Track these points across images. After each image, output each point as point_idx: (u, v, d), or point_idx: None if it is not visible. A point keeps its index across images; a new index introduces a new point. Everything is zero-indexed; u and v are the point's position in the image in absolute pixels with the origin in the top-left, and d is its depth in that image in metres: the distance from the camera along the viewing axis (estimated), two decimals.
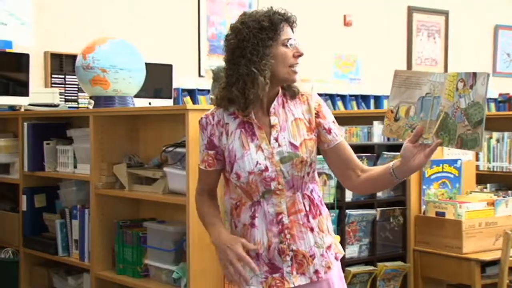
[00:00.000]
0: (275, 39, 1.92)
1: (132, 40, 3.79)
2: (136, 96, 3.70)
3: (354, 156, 2.03)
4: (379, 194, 3.45)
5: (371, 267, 3.33)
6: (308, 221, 1.98)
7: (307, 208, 1.99)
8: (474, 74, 1.67)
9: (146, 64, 3.67)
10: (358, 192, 2.16)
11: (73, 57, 3.84)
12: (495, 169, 4.51)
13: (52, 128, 3.79)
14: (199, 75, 6.06)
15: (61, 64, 5.27)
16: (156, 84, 5.39)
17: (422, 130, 1.76)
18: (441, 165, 3.60)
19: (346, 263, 3.25)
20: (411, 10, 7.51)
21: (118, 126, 3.37)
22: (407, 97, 1.79)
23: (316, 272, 1.99)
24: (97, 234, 3.32)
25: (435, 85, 1.74)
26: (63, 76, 5.20)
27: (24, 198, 3.80)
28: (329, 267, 2.01)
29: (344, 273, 3.23)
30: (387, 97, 7.08)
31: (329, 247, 2.02)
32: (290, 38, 1.94)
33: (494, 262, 3.30)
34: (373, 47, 7.20)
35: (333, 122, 2.03)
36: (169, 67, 5.55)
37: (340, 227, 3.23)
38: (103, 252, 3.33)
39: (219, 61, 5.97)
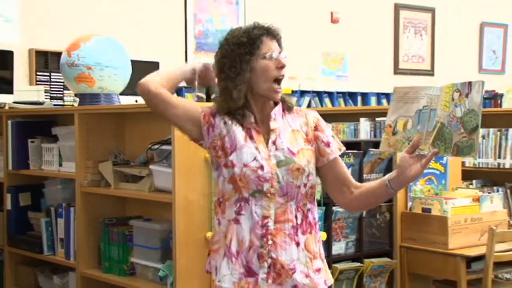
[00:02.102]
0: (254, 54, 1.92)
1: (118, 37, 3.76)
2: (123, 93, 3.68)
3: (348, 173, 2.03)
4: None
5: (358, 264, 3.34)
6: (296, 234, 1.94)
7: (298, 221, 1.95)
8: (470, 83, 1.72)
9: (132, 61, 3.65)
10: (351, 209, 2.14)
11: (58, 55, 3.80)
12: (480, 166, 4.54)
13: (37, 126, 3.76)
14: None
15: (46, 61, 5.23)
16: None
17: (418, 142, 1.80)
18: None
19: (333, 259, 3.25)
20: (398, 7, 7.53)
21: (103, 123, 3.35)
22: (405, 111, 1.83)
23: (295, 287, 1.94)
24: (83, 232, 3.30)
25: (432, 98, 1.78)
26: (48, 74, 5.17)
27: (8, 197, 3.77)
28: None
29: (331, 270, 3.23)
30: (374, 94, 7.11)
31: (318, 270, 1.98)
32: (270, 51, 1.93)
33: (480, 258, 3.32)
34: (360, 44, 7.22)
35: (332, 136, 2.03)
36: (155, 65, 5.52)
37: (327, 224, 3.23)
38: (88, 251, 3.31)
39: (206, 58, 5.96)
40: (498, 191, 4.35)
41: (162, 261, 2.94)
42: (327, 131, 2.02)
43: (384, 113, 3.73)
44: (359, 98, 7.04)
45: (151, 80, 2.03)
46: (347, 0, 7.16)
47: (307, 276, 1.95)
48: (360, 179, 3.40)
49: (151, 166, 2.98)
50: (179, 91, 5.90)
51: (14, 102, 4.27)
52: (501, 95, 6.92)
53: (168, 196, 2.81)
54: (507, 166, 4.41)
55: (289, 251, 1.93)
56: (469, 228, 3.42)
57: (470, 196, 3.55)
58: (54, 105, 4.71)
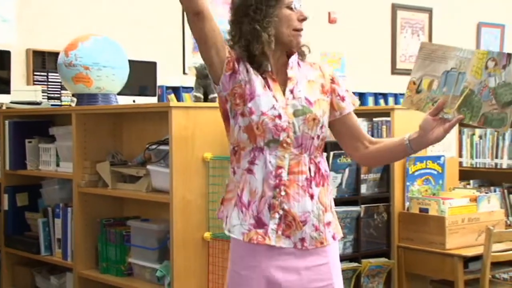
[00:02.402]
0: (279, 0, 1.92)
1: (116, 37, 3.76)
2: (120, 93, 3.68)
3: (361, 127, 2.05)
4: (363, 190, 3.46)
5: (356, 264, 3.34)
6: (310, 186, 1.92)
7: (312, 174, 1.93)
8: (509, 55, 1.67)
9: (130, 61, 3.64)
10: (366, 163, 2.15)
11: (56, 55, 3.80)
12: (478, 166, 4.54)
13: (34, 126, 3.76)
14: (184, 73, 6.03)
15: (44, 61, 5.22)
16: (141, 82, 5.36)
17: (443, 104, 1.76)
18: (424, 161, 3.62)
19: None
20: (395, 8, 7.53)
21: (101, 124, 3.35)
22: (431, 70, 1.78)
23: (302, 240, 1.91)
24: (80, 233, 3.30)
25: (462, 60, 1.73)
26: (45, 74, 5.15)
27: (6, 197, 3.76)
28: (321, 242, 1.93)
29: None
30: (372, 94, 7.11)
31: (328, 224, 1.95)
32: (293, 1, 1.94)
33: (477, 258, 3.33)
34: (358, 44, 7.21)
35: (347, 91, 2.03)
36: (153, 65, 5.52)
37: None
38: (86, 251, 3.31)
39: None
40: (495, 191, 4.36)
41: (159, 261, 2.94)
42: (342, 85, 2.02)
43: (381, 114, 3.74)
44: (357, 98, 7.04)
45: None
46: (345, 0, 7.16)
47: (316, 229, 1.92)
48: (358, 179, 3.41)
49: (148, 166, 2.98)
50: (176, 91, 5.89)
51: (11, 102, 4.26)
52: None
53: (165, 196, 2.81)
54: (504, 166, 4.42)
55: (302, 203, 1.91)
56: (466, 228, 3.42)
57: (467, 196, 3.56)
58: (52, 105, 4.70)
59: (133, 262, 3.08)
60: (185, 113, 2.76)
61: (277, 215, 1.89)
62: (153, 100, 5.43)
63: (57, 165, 3.54)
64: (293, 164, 1.91)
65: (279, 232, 1.90)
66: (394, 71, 7.56)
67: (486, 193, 3.81)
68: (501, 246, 3.39)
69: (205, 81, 3.04)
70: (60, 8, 5.44)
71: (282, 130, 1.90)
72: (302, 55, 2.02)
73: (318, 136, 1.95)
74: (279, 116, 1.90)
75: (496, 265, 3.36)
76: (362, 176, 3.42)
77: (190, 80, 5.78)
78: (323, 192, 1.96)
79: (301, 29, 1.96)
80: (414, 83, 1.81)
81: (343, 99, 2.00)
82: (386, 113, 3.70)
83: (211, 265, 2.82)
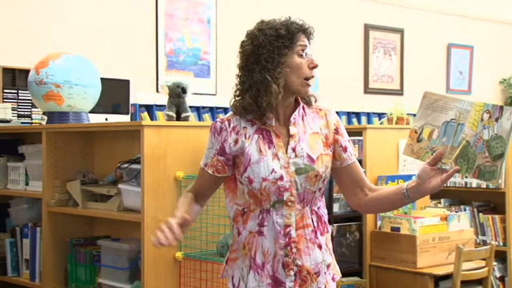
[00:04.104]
0: (291, 48, 1.91)
1: (89, 55, 3.73)
2: (93, 111, 3.64)
3: (364, 175, 2.02)
4: (335, 209, 3.48)
5: None
6: (316, 237, 1.94)
7: (315, 224, 1.94)
8: (501, 107, 1.69)
9: (103, 79, 3.62)
10: (363, 210, 2.13)
11: (27, 72, 3.75)
12: (449, 185, 4.58)
13: (3, 144, 3.70)
14: (157, 91, 6.01)
15: (14, 78, 5.16)
16: (114, 100, 5.33)
17: (442, 155, 1.77)
18: (396, 180, 3.65)
19: None
20: (367, 28, 7.64)
21: (72, 142, 3.31)
22: (432, 119, 1.80)
23: None
24: (49, 253, 3.24)
25: (461, 112, 1.75)
26: (15, 91, 5.09)
27: None
28: (324, 286, 1.97)
29: None
30: (345, 113, 7.17)
31: (328, 266, 1.98)
32: (305, 48, 1.93)
33: (447, 276, 3.36)
34: (331, 63, 7.28)
35: (349, 141, 2.01)
36: (126, 82, 5.49)
37: None
38: (55, 272, 3.25)
39: (177, 77, 5.95)
40: (465, 210, 4.42)
41: (130, 281, 2.90)
42: (345, 135, 2.01)
43: (354, 132, 3.78)
44: None
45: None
46: (318, 20, 7.23)
47: (325, 274, 1.96)
48: (330, 198, 3.42)
49: (120, 185, 2.95)
50: (149, 109, 5.87)
51: None
52: None
53: (137, 215, 2.78)
54: (474, 185, 4.48)
55: (313, 255, 1.93)
56: (437, 247, 3.45)
57: (438, 215, 3.59)
58: (22, 123, 4.64)
59: (104, 283, 3.03)
60: (157, 132, 2.75)
61: (292, 272, 1.91)
62: (126, 118, 5.39)
63: (26, 184, 3.49)
64: (298, 219, 1.92)
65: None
66: (367, 90, 7.65)
67: (457, 211, 3.86)
68: (471, 265, 3.43)
69: (178, 99, 3.03)
70: (31, 25, 5.40)
71: (285, 190, 1.90)
72: (308, 104, 2.00)
73: (320, 189, 1.95)
74: (281, 178, 1.89)
75: (466, 283, 3.40)
76: (335, 195, 3.44)
77: (163, 98, 5.76)
78: (327, 238, 1.99)
79: (312, 77, 1.94)
80: (416, 132, 1.82)
81: (345, 149, 1.98)
82: (359, 132, 3.74)
83: (183, 285, 2.79)
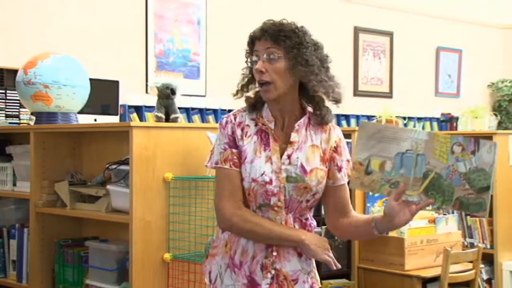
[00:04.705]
0: (252, 55, 1.94)
1: (78, 55, 3.72)
2: (82, 112, 3.63)
3: (349, 200, 1.99)
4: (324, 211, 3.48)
5: None
6: None
7: None
8: (476, 141, 1.66)
9: (92, 80, 3.61)
10: (337, 234, 2.09)
11: (15, 72, 3.74)
12: None
13: None
14: (146, 92, 6.00)
15: (2, 78, 5.13)
16: (103, 100, 5.31)
17: (405, 187, 1.72)
18: None
19: None
20: (357, 31, 7.67)
21: (60, 143, 3.30)
22: (380, 151, 1.73)
23: None
24: (37, 254, 3.22)
25: (418, 142, 1.70)
26: (3, 91, 5.06)
27: None
28: None
29: None
30: (334, 115, 7.16)
31: (308, 274, 1.97)
32: (258, 52, 1.91)
33: (435, 279, 3.37)
34: None
35: (347, 161, 1.97)
36: (115, 83, 5.47)
37: None
38: (42, 273, 3.23)
39: (166, 78, 5.94)
40: (453, 212, 4.43)
41: (118, 283, 2.89)
42: (345, 154, 1.96)
43: (343, 135, 3.77)
44: None
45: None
46: (308, 23, 7.23)
47: (304, 282, 1.94)
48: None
49: (108, 186, 2.94)
50: (139, 110, 5.86)
51: None
52: (457, 118, 7.09)
53: (125, 216, 2.77)
54: None
55: (293, 262, 1.92)
56: (425, 249, 3.47)
57: (426, 217, 3.61)
58: (10, 123, 4.61)
59: (91, 284, 3.02)
60: (146, 133, 2.74)
61: (269, 275, 1.91)
62: (115, 119, 5.38)
63: (14, 184, 3.47)
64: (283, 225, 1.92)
65: None
66: (356, 93, 7.68)
67: (444, 214, 3.87)
68: (458, 267, 3.45)
69: (167, 101, 3.03)
70: (20, 25, 5.38)
71: (272, 195, 1.90)
72: (316, 120, 1.96)
73: (308, 201, 1.93)
74: (270, 182, 1.89)
75: (453, 286, 3.41)
76: None
77: (153, 99, 5.75)
78: None
79: (261, 81, 1.90)
80: (361, 164, 1.75)
81: (340, 169, 1.94)
82: (348, 135, 3.75)
83: (171, 286, 2.79)
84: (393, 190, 1.74)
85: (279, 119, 1.95)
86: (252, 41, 1.93)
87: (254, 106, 1.96)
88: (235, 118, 1.97)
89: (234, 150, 1.93)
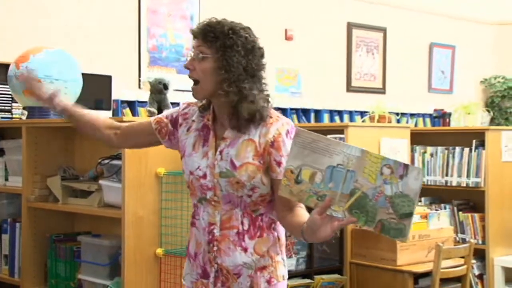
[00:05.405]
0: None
1: (70, 50, 3.70)
2: None
3: None
4: None
5: (308, 280, 3.35)
6: (243, 240, 1.93)
7: (245, 227, 1.93)
8: (406, 166, 1.60)
9: (85, 75, 3.59)
10: (284, 228, 2.03)
11: (6, 66, 3.71)
12: (429, 183, 4.64)
13: None
14: (139, 87, 5.98)
15: None
16: (95, 95, 5.29)
17: (331, 201, 1.65)
18: None
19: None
20: (350, 26, 7.66)
21: (52, 137, 3.29)
22: (312, 161, 1.66)
23: None
24: (29, 249, 3.22)
25: (350, 158, 1.63)
26: None
27: None
28: (252, 287, 1.94)
29: None
30: (327, 111, 7.19)
31: (262, 268, 1.95)
32: (193, 49, 1.94)
33: (427, 274, 3.38)
34: (314, 61, 7.30)
35: (287, 156, 1.90)
36: (108, 78, 5.45)
37: None
38: (34, 268, 3.23)
39: (159, 73, 5.92)
40: (445, 208, 4.46)
41: (110, 277, 2.89)
42: (284, 149, 1.88)
43: (336, 130, 3.79)
44: (312, 115, 7.11)
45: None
46: (301, 18, 7.25)
47: (250, 277, 1.95)
48: None
49: (100, 181, 2.93)
50: (131, 105, 5.84)
51: None
52: (449, 114, 7.10)
53: (117, 211, 2.77)
54: (454, 184, 4.52)
55: (233, 257, 1.94)
56: (417, 245, 3.48)
57: (418, 213, 3.62)
58: (1, 117, 4.59)
59: (83, 279, 3.02)
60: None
61: (213, 269, 1.97)
62: (108, 114, 5.36)
63: (6, 179, 3.45)
64: (225, 219, 1.94)
65: (218, 285, 1.97)
66: (350, 88, 7.68)
67: (436, 210, 3.89)
68: (450, 263, 3.46)
69: (159, 96, 3.03)
70: (12, 19, 5.35)
71: (208, 189, 1.95)
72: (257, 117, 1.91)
73: (250, 196, 1.91)
74: (204, 176, 1.94)
75: (445, 281, 3.43)
76: None
77: (145, 94, 5.73)
78: (260, 243, 1.95)
79: (191, 77, 1.95)
80: (292, 172, 1.68)
81: (279, 164, 1.89)
82: (341, 130, 3.75)
83: (163, 281, 2.79)
84: (320, 203, 1.67)
85: (220, 117, 1.97)
86: (193, 38, 1.96)
87: (205, 108, 2.01)
88: (184, 108, 2.06)
89: (170, 126, 2.05)
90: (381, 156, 1.62)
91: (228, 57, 1.87)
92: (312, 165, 1.67)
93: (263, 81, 1.94)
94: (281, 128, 1.91)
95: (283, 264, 2.00)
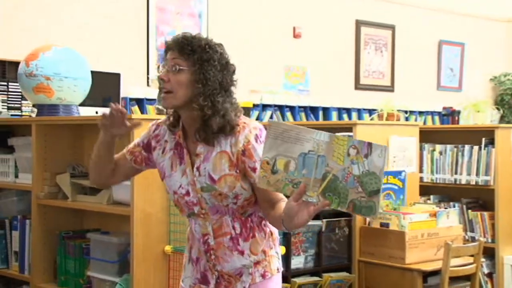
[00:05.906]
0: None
1: (79, 48, 3.72)
2: (83, 104, 3.63)
3: (275, 194, 1.91)
4: None
5: (317, 278, 3.35)
6: (237, 244, 1.97)
7: (237, 231, 1.97)
8: (370, 144, 1.66)
9: (93, 72, 3.60)
10: (270, 224, 2.05)
11: (17, 64, 3.73)
12: (438, 181, 4.62)
13: None
14: (148, 85, 6.00)
15: (4, 71, 5.13)
16: (104, 93, 5.31)
17: (305, 188, 1.70)
18: (386, 176, 3.66)
19: (291, 274, 3.26)
20: (359, 24, 7.65)
21: (62, 135, 3.30)
22: (285, 150, 1.72)
23: None
24: (38, 245, 3.23)
25: (319, 143, 1.69)
26: (5, 83, 5.06)
27: None
28: (250, 283, 1.99)
29: (290, 284, 3.24)
30: (335, 109, 7.18)
31: (257, 263, 1.99)
32: (165, 61, 1.93)
33: (436, 272, 3.37)
34: (322, 59, 7.29)
35: (260, 161, 1.90)
36: (117, 76, 5.47)
37: (286, 238, 3.24)
38: (44, 264, 3.25)
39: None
40: (454, 206, 4.44)
41: (119, 274, 2.90)
42: (256, 155, 1.90)
43: (344, 128, 3.79)
44: (320, 113, 7.10)
45: (92, 179, 2.15)
46: (310, 16, 7.24)
47: (250, 274, 2.00)
48: None
49: None
50: (140, 103, 5.85)
51: None
52: (458, 112, 7.07)
53: (126, 209, 2.78)
54: (463, 182, 4.50)
55: (232, 262, 1.99)
56: (425, 243, 3.47)
57: (427, 211, 3.61)
58: (12, 115, 4.62)
59: (92, 276, 3.03)
60: (146, 125, 2.73)
61: (214, 276, 2.02)
62: None
63: (16, 176, 3.47)
64: (216, 228, 1.98)
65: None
66: (358, 86, 7.67)
67: (446, 208, 3.88)
68: (459, 261, 3.45)
69: None
70: (22, 18, 5.37)
71: (193, 205, 1.98)
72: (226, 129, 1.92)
73: (235, 203, 1.94)
74: (187, 194, 1.97)
75: (454, 279, 3.42)
76: None
77: (154, 92, 5.76)
78: (255, 242, 1.99)
79: (164, 90, 1.92)
80: (268, 163, 1.73)
81: (254, 170, 1.90)
82: (349, 128, 3.74)
83: (172, 278, 2.79)
84: (296, 190, 1.72)
85: (190, 131, 1.96)
86: (166, 50, 1.95)
87: (174, 125, 2.00)
88: (155, 130, 2.06)
89: (143, 152, 2.06)
90: (346, 138, 1.69)
91: (205, 71, 1.90)
92: (285, 154, 1.72)
93: (234, 95, 1.98)
94: (249, 135, 1.92)
95: (277, 257, 2.05)
